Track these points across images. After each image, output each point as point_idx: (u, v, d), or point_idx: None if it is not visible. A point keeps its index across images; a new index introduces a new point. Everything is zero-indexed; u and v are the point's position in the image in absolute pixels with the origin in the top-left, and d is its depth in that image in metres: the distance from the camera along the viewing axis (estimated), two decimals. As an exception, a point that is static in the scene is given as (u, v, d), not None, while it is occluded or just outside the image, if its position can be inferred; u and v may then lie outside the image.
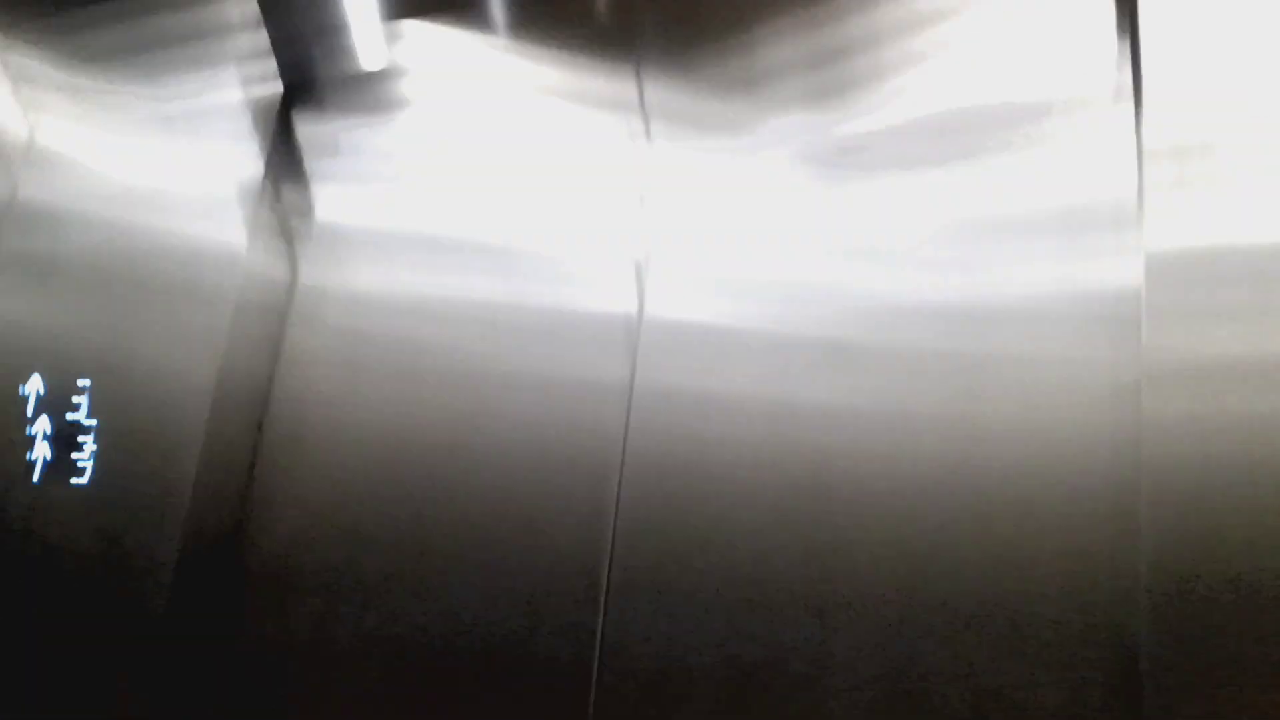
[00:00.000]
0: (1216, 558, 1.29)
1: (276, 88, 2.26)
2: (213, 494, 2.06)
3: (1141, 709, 1.31)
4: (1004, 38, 1.70)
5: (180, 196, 2.27)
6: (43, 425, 2.20)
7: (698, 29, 1.94)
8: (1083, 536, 1.46)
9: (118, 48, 2.47)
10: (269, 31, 2.29)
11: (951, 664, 1.50)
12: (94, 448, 2.14)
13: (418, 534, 1.94)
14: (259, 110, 2.26)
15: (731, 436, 1.73)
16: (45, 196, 2.47)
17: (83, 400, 2.18)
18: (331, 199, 2.27)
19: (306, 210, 2.28)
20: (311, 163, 2.29)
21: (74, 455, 2.15)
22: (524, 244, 2.02)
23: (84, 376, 2.20)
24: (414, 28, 2.18)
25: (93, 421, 2.17)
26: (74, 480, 2.14)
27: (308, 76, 2.26)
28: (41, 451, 2.19)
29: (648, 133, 1.96)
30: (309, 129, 2.28)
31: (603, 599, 1.76)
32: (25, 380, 2.25)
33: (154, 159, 2.34)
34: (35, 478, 2.18)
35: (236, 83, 2.30)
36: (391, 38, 2.20)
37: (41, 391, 2.21)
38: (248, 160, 2.22)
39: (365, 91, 2.24)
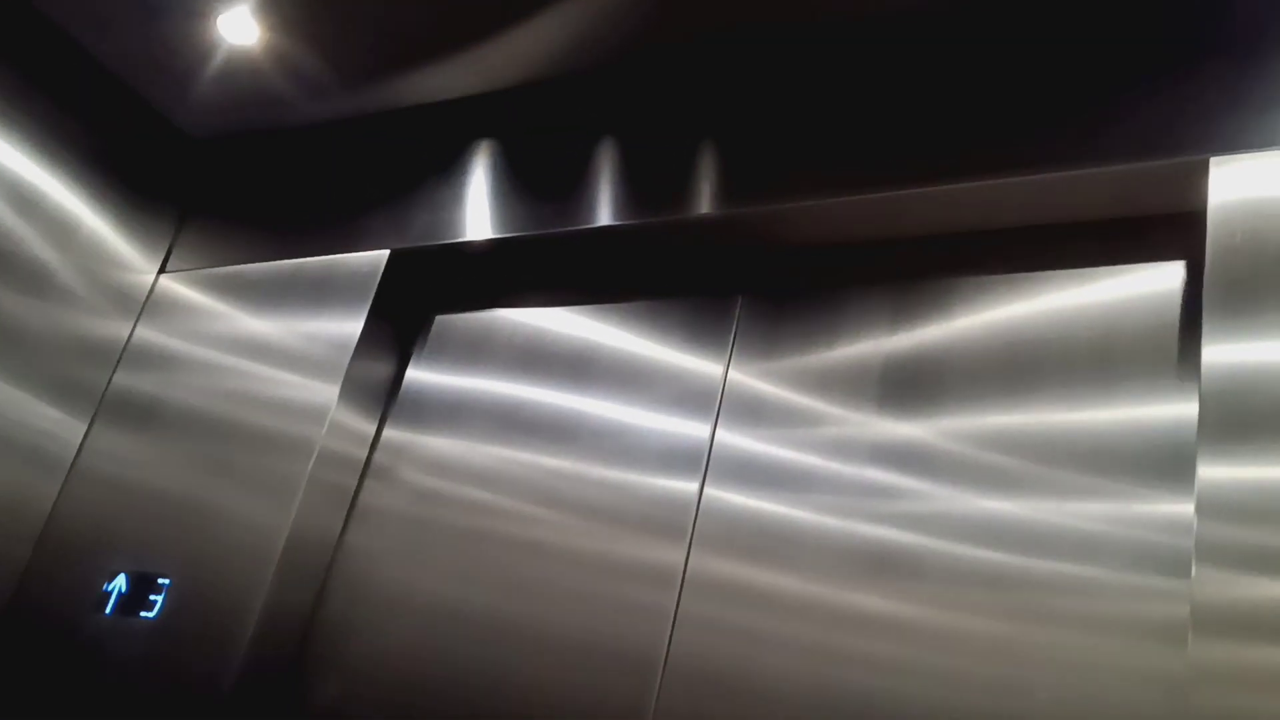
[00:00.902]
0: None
1: (382, 254, 2.43)
2: (271, 641, 2.11)
3: None
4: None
5: (279, 345, 2.41)
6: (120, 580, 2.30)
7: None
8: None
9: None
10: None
11: None
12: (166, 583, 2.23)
13: (459, 709, 1.93)
14: (364, 272, 2.42)
15: (779, 635, 1.73)
16: (158, 339, 2.65)
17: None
18: (421, 364, 2.40)
19: (397, 369, 2.41)
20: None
21: (149, 593, 2.24)
22: (595, 426, 2.10)
23: (166, 524, 2.31)
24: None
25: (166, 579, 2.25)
26: (143, 614, 2.21)
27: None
28: (117, 585, 2.28)
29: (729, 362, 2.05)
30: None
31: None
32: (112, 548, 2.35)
33: (263, 310, 2.51)
34: (108, 610, 2.27)
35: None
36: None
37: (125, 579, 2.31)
38: (349, 317, 2.37)
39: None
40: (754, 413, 1.95)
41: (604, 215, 2.18)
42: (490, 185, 2.39)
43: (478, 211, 2.36)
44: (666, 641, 1.81)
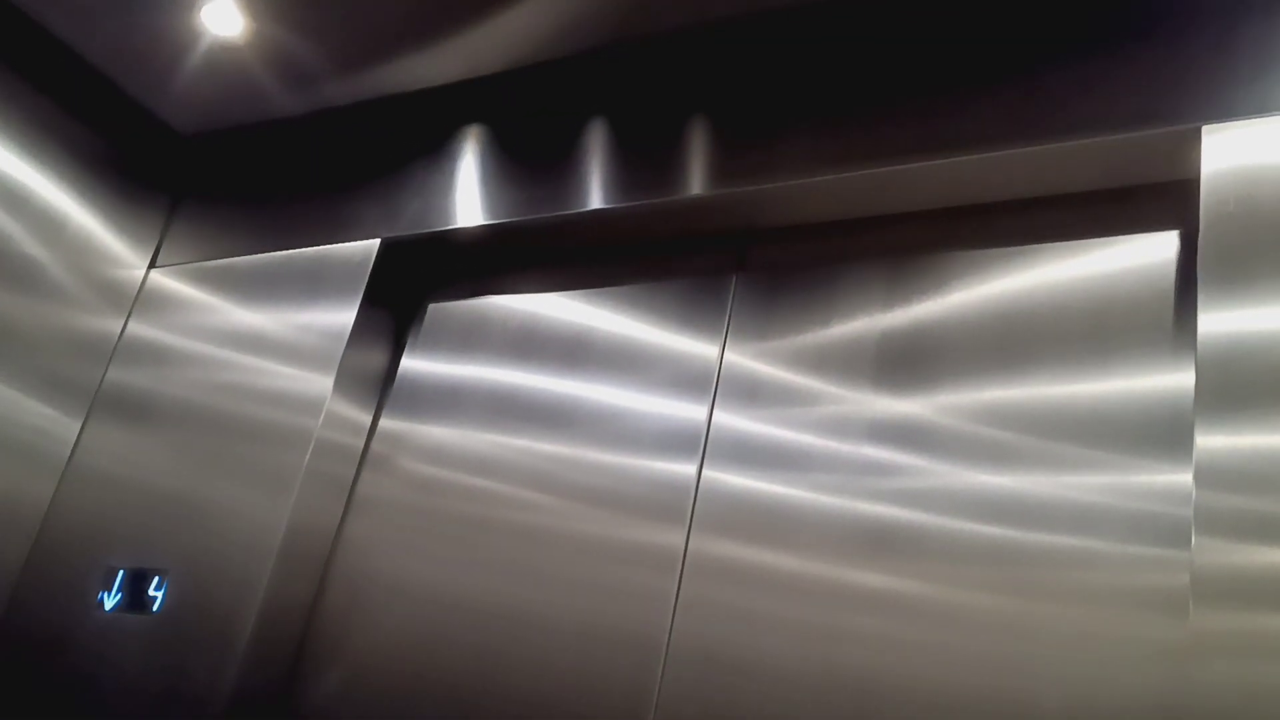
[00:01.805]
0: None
1: (373, 243, 2.41)
2: (272, 635, 2.11)
3: None
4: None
5: (274, 337, 2.40)
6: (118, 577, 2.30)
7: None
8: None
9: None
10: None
11: None
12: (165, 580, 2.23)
13: (461, 697, 1.94)
14: (355, 262, 2.41)
15: (780, 616, 1.73)
16: (150, 334, 2.64)
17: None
18: (416, 353, 2.39)
19: (392, 358, 2.40)
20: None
21: (148, 590, 2.23)
22: (591, 411, 2.09)
23: (163, 518, 2.31)
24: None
25: (164, 567, 2.25)
26: (142, 610, 2.21)
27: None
28: (116, 582, 2.28)
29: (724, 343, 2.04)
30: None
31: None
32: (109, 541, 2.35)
33: (255, 303, 2.50)
34: (107, 607, 2.26)
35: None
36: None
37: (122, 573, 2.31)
38: (341, 307, 2.36)
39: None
40: (751, 393, 1.95)
41: (595, 199, 2.17)
42: (480, 171, 2.38)
43: (468, 198, 2.35)
44: (669, 624, 1.81)
